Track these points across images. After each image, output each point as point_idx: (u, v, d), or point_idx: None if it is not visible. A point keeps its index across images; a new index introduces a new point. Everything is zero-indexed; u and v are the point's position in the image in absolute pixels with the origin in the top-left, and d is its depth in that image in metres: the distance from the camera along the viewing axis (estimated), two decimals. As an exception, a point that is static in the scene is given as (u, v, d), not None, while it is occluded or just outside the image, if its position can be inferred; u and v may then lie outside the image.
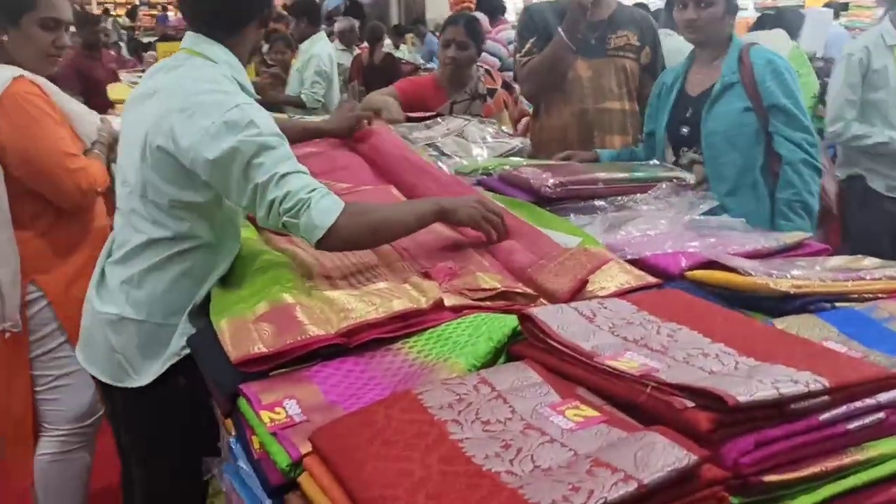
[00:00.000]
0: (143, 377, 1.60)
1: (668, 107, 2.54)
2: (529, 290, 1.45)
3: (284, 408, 1.12)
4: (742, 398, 0.85)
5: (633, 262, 1.59)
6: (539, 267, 1.53)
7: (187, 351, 1.49)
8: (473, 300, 1.39)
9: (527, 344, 1.14)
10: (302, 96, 5.23)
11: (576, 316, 1.15)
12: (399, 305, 1.31)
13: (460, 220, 1.63)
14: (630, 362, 1.00)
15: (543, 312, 1.14)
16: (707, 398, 0.88)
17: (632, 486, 0.76)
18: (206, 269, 1.60)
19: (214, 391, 1.26)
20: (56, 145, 2.09)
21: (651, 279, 1.49)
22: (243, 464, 1.18)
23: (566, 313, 1.15)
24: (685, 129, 2.49)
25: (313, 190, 1.46)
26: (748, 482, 0.83)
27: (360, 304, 1.33)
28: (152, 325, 1.59)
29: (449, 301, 1.36)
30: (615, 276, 1.49)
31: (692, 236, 1.66)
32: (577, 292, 1.43)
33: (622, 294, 1.42)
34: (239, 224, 1.70)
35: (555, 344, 1.08)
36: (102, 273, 1.67)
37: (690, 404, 0.89)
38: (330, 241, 1.48)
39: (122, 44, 10.98)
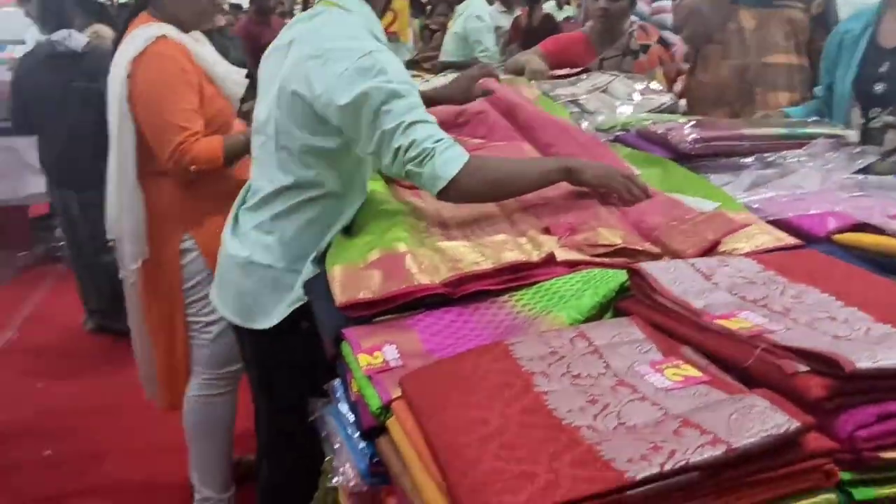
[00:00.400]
0: (269, 319, 1.65)
1: (856, 60, 2.21)
2: (654, 249, 1.36)
3: (382, 352, 1.11)
4: (862, 364, 0.75)
5: (774, 224, 1.46)
6: (669, 228, 1.43)
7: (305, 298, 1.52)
8: (591, 256, 1.32)
9: (634, 300, 1.07)
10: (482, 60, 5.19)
11: (690, 272, 1.06)
12: (509, 257, 1.27)
13: (588, 181, 1.57)
14: (743, 322, 0.91)
15: (654, 267, 1.06)
16: (822, 363, 0.78)
17: (719, 450, 0.69)
18: (332, 217, 1.62)
19: (322, 334, 1.27)
20: (175, 112, 2.13)
21: (791, 240, 1.36)
22: (343, 406, 1.18)
23: (680, 269, 1.06)
24: (879, 87, 2.16)
25: (439, 140, 1.45)
26: (863, 457, 0.74)
27: (471, 255, 1.30)
28: (279, 269, 1.64)
29: (564, 256, 1.30)
30: (752, 237, 1.37)
31: (845, 196, 1.50)
32: (707, 254, 1.33)
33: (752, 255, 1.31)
34: (366, 176, 1.71)
35: (663, 300, 1.00)
36: (236, 218, 1.74)
37: (803, 368, 0.80)
38: (451, 192, 1.47)
39: (295, 13, 11.43)
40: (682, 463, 0.68)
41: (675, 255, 1.35)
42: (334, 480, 1.07)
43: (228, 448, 2.43)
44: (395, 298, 1.21)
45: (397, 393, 0.99)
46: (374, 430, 1.03)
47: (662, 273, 1.05)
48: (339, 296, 1.24)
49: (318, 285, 1.39)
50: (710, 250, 1.33)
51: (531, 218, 1.55)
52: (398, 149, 1.45)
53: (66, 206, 3.95)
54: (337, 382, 1.24)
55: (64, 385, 3.52)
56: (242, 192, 1.78)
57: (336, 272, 1.35)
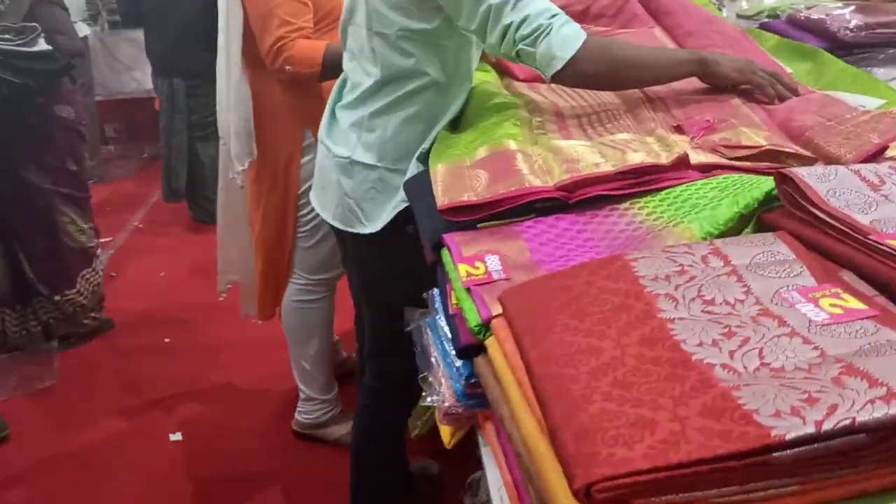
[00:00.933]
0: (373, 224, 1.56)
1: None
2: (805, 152, 1.17)
3: (485, 262, 0.99)
4: None
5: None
6: (825, 129, 1.23)
7: None
8: (730, 159, 1.15)
9: (783, 212, 0.90)
10: None
11: (855, 180, 0.88)
12: (634, 159, 1.11)
13: (725, 73, 1.37)
14: (924, 244, 0.74)
15: (809, 173, 0.89)
16: None
17: (894, 409, 0.54)
18: (436, 111, 1.50)
19: (423, 239, 1.17)
20: (281, 2, 1.98)
21: (979, 146, 1.14)
22: (441, 319, 1.09)
23: (842, 177, 0.88)
24: None
25: (554, 15, 1.30)
26: None
27: (590, 155, 1.16)
28: (382, 169, 1.54)
29: (697, 158, 1.14)
30: (929, 141, 1.16)
31: None
32: (871, 160, 1.13)
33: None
34: (472, 64, 1.56)
35: (820, 214, 0.83)
36: (333, 116, 1.64)
37: None
38: (567, 74, 1.32)
39: None
40: (847, 422, 0.54)
41: (832, 160, 1.15)
42: (429, 399, 0.98)
43: (327, 352, 2.41)
44: (502, 202, 1.09)
45: (498, 309, 0.88)
46: (471, 348, 0.93)
47: (819, 180, 0.87)
48: (441, 197, 1.13)
49: (419, 185, 1.28)
50: (876, 156, 1.13)
51: (660, 114, 1.37)
52: (508, 25, 1.30)
53: (173, 93, 3.97)
54: (436, 292, 1.15)
55: (184, 278, 3.63)
56: (337, 87, 1.67)
57: (439, 171, 1.23)
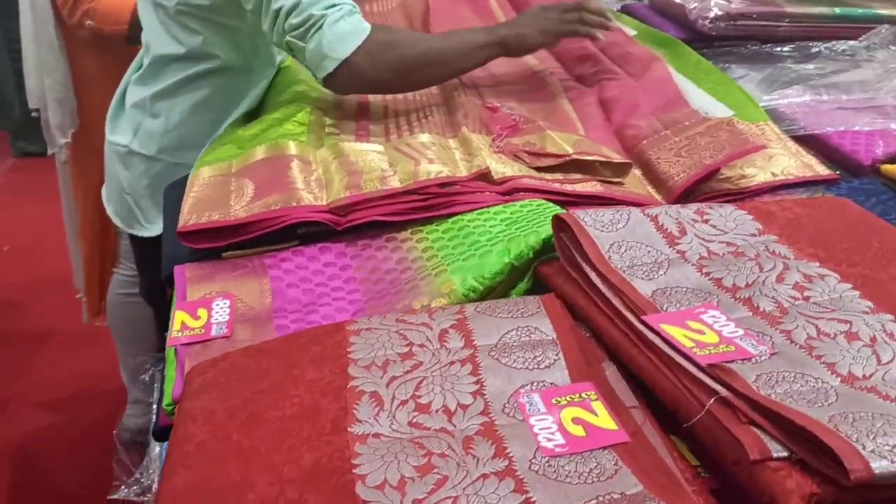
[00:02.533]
0: (150, 227, 1.33)
1: None
2: (619, 158, 0.99)
3: (210, 311, 0.79)
4: (878, 465, 0.42)
5: (804, 140, 1.09)
6: (658, 140, 1.06)
7: None
8: (534, 168, 0.97)
9: (558, 267, 0.72)
10: None
11: (649, 230, 0.70)
12: (428, 172, 0.91)
13: (532, 45, 1.19)
14: (704, 334, 0.57)
15: (595, 218, 0.71)
16: (815, 448, 0.45)
17: None
18: (229, 98, 1.27)
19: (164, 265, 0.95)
20: None
21: (823, 171, 0.99)
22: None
23: (634, 224, 0.71)
24: None
25: (333, 6, 1.06)
26: None
27: (378, 165, 0.95)
28: (163, 162, 1.30)
29: (500, 169, 0.94)
30: (771, 160, 1.00)
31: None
32: (702, 181, 0.97)
33: (766, 191, 0.95)
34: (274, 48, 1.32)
35: (593, 276, 0.65)
36: (124, 92, 1.38)
37: (780, 453, 0.46)
38: (342, 78, 1.08)
39: None
40: None
41: (660, 181, 0.99)
42: (122, 491, 0.77)
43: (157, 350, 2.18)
44: (256, 225, 0.88)
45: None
46: (168, 431, 0.72)
47: (604, 228, 0.69)
48: (186, 215, 0.91)
49: (177, 192, 1.06)
50: (707, 178, 0.97)
51: (471, 100, 1.19)
52: (278, 10, 1.07)
53: None
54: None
55: (29, 252, 3.30)
56: (137, 58, 1.41)
57: (199, 176, 1.01)
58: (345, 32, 1.06)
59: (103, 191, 1.45)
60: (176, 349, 0.74)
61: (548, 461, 0.50)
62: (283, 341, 0.67)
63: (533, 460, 0.50)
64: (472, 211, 0.90)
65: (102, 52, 1.89)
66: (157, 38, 1.25)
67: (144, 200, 1.33)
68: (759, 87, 1.24)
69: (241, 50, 1.25)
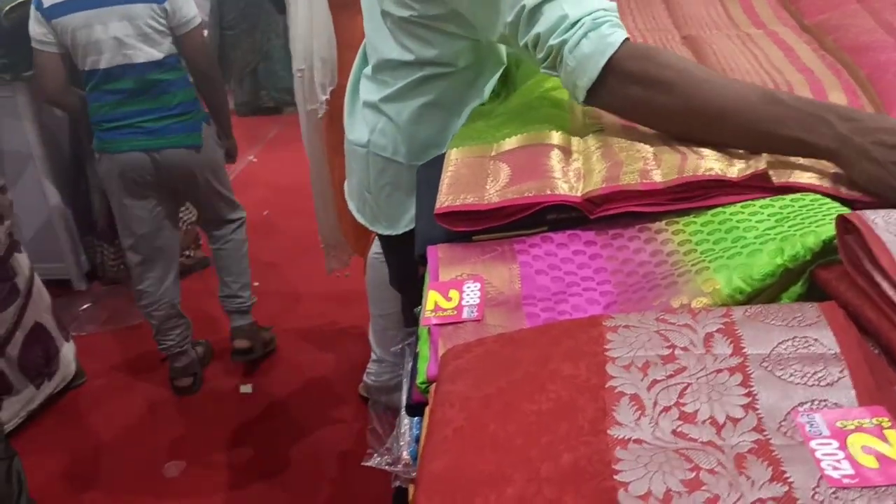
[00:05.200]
0: (393, 227, 1.35)
1: None
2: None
3: (462, 293, 0.80)
4: None
5: None
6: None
7: None
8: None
9: (841, 272, 0.65)
10: None
11: (956, 237, 0.61)
12: (697, 167, 0.86)
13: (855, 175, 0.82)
14: None
15: (886, 219, 0.63)
16: None
17: None
18: (459, 97, 1.24)
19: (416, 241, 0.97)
20: None
21: None
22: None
23: (937, 229, 0.62)
24: None
25: (572, 26, 0.95)
26: None
27: (640, 156, 0.91)
28: (401, 165, 1.29)
29: (782, 179, 0.85)
30: None
31: None
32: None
33: None
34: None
35: (885, 286, 0.58)
36: (356, 88, 1.38)
37: None
38: (601, 104, 0.98)
39: None
40: None
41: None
42: (374, 459, 0.80)
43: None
44: (510, 209, 0.88)
45: (448, 367, 0.69)
46: (421, 407, 0.75)
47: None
48: (443, 196, 0.93)
49: (432, 172, 1.08)
50: None
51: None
52: (526, 47, 1.01)
53: None
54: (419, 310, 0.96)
55: (284, 217, 3.58)
56: (361, 48, 1.39)
57: (453, 157, 1.02)
58: (585, 55, 0.93)
59: (346, 186, 1.51)
60: (429, 329, 0.76)
61: (834, 493, 0.45)
62: (535, 332, 0.66)
63: (817, 489, 0.46)
64: (733, 204, 0.84)
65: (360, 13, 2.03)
66: (383, 42, 1.23)
67: (384, 201, 1.34)
68: None
69: (472, 55, 1.21)
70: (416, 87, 1.23)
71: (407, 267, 1.42)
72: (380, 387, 2.35)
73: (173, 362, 2.47)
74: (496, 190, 0.91)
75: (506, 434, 0.54)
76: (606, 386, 0.56)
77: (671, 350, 0.58)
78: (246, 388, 2.49)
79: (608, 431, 0.52)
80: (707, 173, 0.85)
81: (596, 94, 0.95)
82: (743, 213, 0.82)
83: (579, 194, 0.88)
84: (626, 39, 0.94)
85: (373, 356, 2.35)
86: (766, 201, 0.83)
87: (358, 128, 1.34)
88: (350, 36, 2.08)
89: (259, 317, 2.66)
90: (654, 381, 0.56)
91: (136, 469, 2.16)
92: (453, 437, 0.56)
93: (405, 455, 0.79)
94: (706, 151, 0.92)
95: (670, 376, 0.56)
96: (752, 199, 0.84)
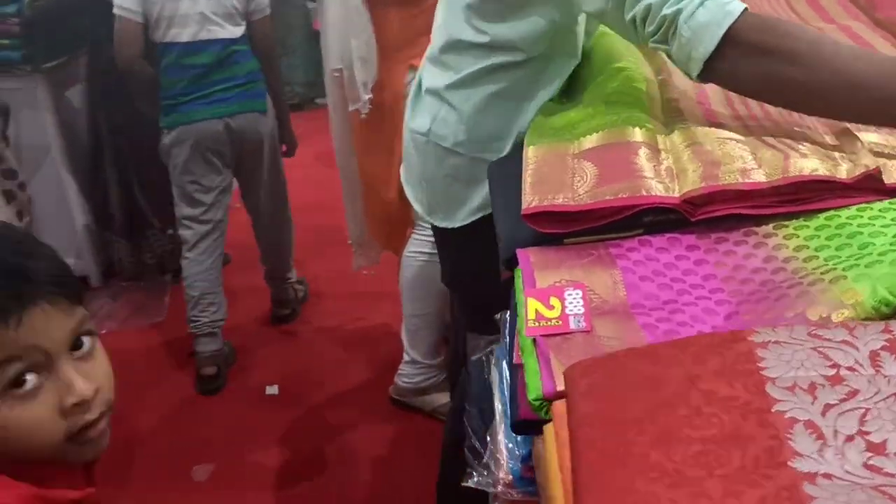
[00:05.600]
0: (450, 220, 1.30)
1: None
2: None
3: (563, 300, 0.75)
4: None
5: None
6: None
7: None
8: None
9: None
10: None
11: None
12: (802, 167, 0.81)
13: None
14: None
15: None
16: None
17: None
18: (528, 89, 1.18)
19: (500, 245, 0.92)
20: None
21: None
22: (504, 356, 0.85)
23: None
24: None
25: None
26: None
27: (738, 156, 0.86)
28: (462, 156, 1.23)
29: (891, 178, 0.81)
30: None
31: None
32: None
33: None
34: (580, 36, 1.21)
35: None
36: (423, 70, 1.34)
37: None
38: (717, 79, 0.93)
39: None
40: None
41: None
42: (474, 479, 0.75)
43: (441, 312, 2.23)
44: (605, 212, 0.83)
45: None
46: (529, 425, 0.70)
47: None
48: (528, 195, 0.87)
49: (507, 171, 1.03)
50: None
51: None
52: (633, 20, 0.96)
53: None
54: (508, 317, 0.91)
55: (309, 213, 3.51)
56: (436, 28, 1.33)
57: (532, 155, 0.97)
58: (702, 24, 0.88)
59: (402, 172, 1.46)
60: (535, 340, 0.71)
61: None
62: (671, 347, 0.61)
63: None
64: (846, 207, 0.79)
65: (402, 8, 2.00)
66: (454, 22, 1.19)
67: (442, 192, 1.29)
68: None
69: (546, 42, 1.15)
70: (484, 76, 1.18)
71: (463, 263, 1.38)
72: (413, 389, 2.30)
73: (201, 347, 2.43)
74: (585, 190, 0.86)
75: (674, 465, 0.49)
76: (773, 410, 0.51)
77: (836, 370, 0.53)
78: (272, 390, 2.43)
79: (789, 464, 0.47)
80: (814, 174, 0.80)
81: (713, 66, 0.90)
82: (861, 216, 0.77)
83: (677, 195, 0.83)
84: (746, 9, 0.89)
85: (405, 357, 2.30)
86: (885, 204, 0.78)
87: (420, 116, 1.29)
88: (384, 35, 2.04)
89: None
90: (828, 406, 0.51)
91: (163, 472, 2.10)
92: (600, 461, 0.51)
93: (503, 475, 0.74)
94: (806, 149, 0.88)
95: (843, 400, 0.51)
96: (866, 203, 0.79)
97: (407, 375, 2.31)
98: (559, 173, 0.91)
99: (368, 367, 2.51)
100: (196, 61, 2.25)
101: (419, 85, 1.33)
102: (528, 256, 0.83)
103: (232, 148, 2.36)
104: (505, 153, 1.20)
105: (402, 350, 2.29)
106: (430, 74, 1.27)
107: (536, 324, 0.73)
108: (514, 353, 0.78)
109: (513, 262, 0.86)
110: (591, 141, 0.97)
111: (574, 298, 0.75)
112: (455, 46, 1.20)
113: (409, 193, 1.42)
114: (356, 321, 2.73)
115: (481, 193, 1.23)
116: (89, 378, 0.70)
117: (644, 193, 0.83)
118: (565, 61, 1.19)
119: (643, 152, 0.91)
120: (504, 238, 0.90)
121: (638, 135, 0.95)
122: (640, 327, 0.70)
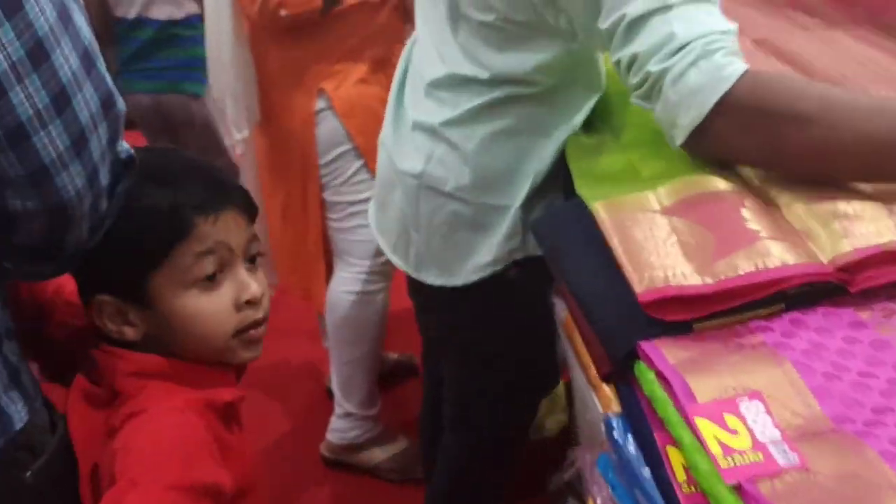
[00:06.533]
0: (448, 277, 1.09)
1: None
2: None
3: (742, 420, 0.57)
4: None
5: None
6: None
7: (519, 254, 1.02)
8: None
9: None
10: None
11: None
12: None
13: None
14: None
15: None
16: None
17: None
18: (539, 127, 1.02)
19: (598, 333, 0.72)
20: None
21: None
22: (639, 471, 0.67)
23: None
24: None
25: (680, 49, 0.77)
26: None
27: (877, 214, 0.71)
28: (463, 202, 1.05)
29: None
30: None
31: None
32: None
33: None
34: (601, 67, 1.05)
35: None
36: (400, 100, 1.14)
37: None
38: (700, 150, 0.81)
39: None
40: None
41: None
42: None
43: (376, 357, 2.01)
44: (742, 290, 0.66)
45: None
46: None
47: None
48: (630, 273, 0.69)
49: (563, 230, 0.83)
50: None
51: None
52: (618, 64, 0.83)
53: None
54: (614, 420, 0.72)
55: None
56: (407, 50, 1.17)
57: (605, 216, 0.78)
58: (693, 88, 0.76)
59: (374, 218, 1.24)
60: (740, 489, 0.53)
61: None
62: None
63: None
64: None
65: (286, 48, 1.78)
66: (452, 55, 1.01)
67: (439, 243, 1.09)
68: None
69: (558, 73, 0.99)
70: (488, 110, 1.01)
71: (455, 335, 1.18)
72: (348, 446, 2.07)
73: None
74: (705, 260, 0.69)
75: None
76: None
77: None
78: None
79: None
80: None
81: (701, 136, 0.78)
82: None
83: (825, 260, 0.68)
84: (746, 71, 0.76)
85: (337, 410, 2.05)
86: None
87: (409, 155, 1.09)
88: (275, 67, 1.81)
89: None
90: None
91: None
92: None
93: None
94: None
95: None
96: None
97: (341, 430, 2.06)
98: (654, 239, 0.73)
99: (295, 417, 2.24)
100: (137, 35, 2.39)
101: (398, 116, 1.13)
102: (661, 353, 0.65)
103: (162, 126, 2.44)
104: (520, 200, 1.02)
105: (329, 397, 2.05)
106: (422, 108, 1.08)
107: (730, 461, 0.54)
108: (673, 479, 0.59)
109: (629, 357, 0.67)
110: (671, 192, 0.79)
111: (756, 415, 0.58)
112: (452, 80, 1.02)
113: (385, 244, 1.21)
114: (272, 361, 2.44)
115: (492, 244, 1.05)
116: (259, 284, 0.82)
117: (780, 263, 0.67)
118: (585, 93, 1.03)
119: (748, 206, 0.75)
120: (609, 329, 0.70)
121: (720, 184, 0.79)
122: (880, 455, 0.53)
